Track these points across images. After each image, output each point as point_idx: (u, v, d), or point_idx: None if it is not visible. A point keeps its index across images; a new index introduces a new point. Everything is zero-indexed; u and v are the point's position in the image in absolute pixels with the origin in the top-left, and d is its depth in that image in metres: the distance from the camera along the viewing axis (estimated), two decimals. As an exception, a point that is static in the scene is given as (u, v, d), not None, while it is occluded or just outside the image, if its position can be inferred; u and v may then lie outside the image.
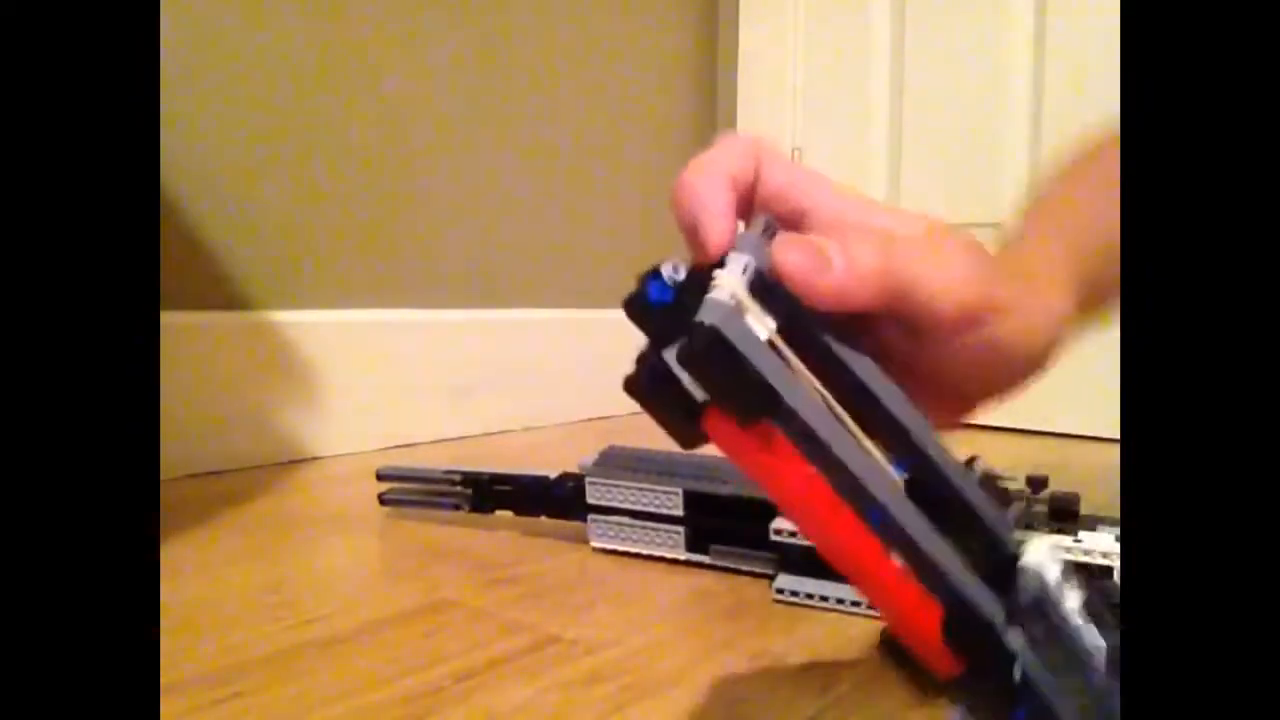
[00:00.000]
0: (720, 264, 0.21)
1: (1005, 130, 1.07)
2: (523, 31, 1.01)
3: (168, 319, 0.71)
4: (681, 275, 0.21)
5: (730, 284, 0.20)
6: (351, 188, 0.86)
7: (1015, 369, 0.26)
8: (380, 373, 0.87)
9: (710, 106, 1.29)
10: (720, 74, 1.28)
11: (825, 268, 0.21)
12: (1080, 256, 0.30)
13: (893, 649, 0.21)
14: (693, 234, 0.23)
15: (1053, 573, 0.20)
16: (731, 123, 1.27)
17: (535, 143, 1.04)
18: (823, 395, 0.21)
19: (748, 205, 0.25)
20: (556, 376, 1.05)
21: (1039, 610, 0.20)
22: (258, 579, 0.48)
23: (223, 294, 0.77)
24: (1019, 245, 0.31)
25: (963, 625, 0.19)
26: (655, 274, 0.21)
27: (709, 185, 0.23)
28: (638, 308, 0.21)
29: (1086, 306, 0.29)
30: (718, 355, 0.19)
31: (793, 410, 0.20)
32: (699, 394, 0.20)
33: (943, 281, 0.23)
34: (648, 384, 0.20)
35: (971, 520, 0.21)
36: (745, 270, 0.21)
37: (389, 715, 0.32)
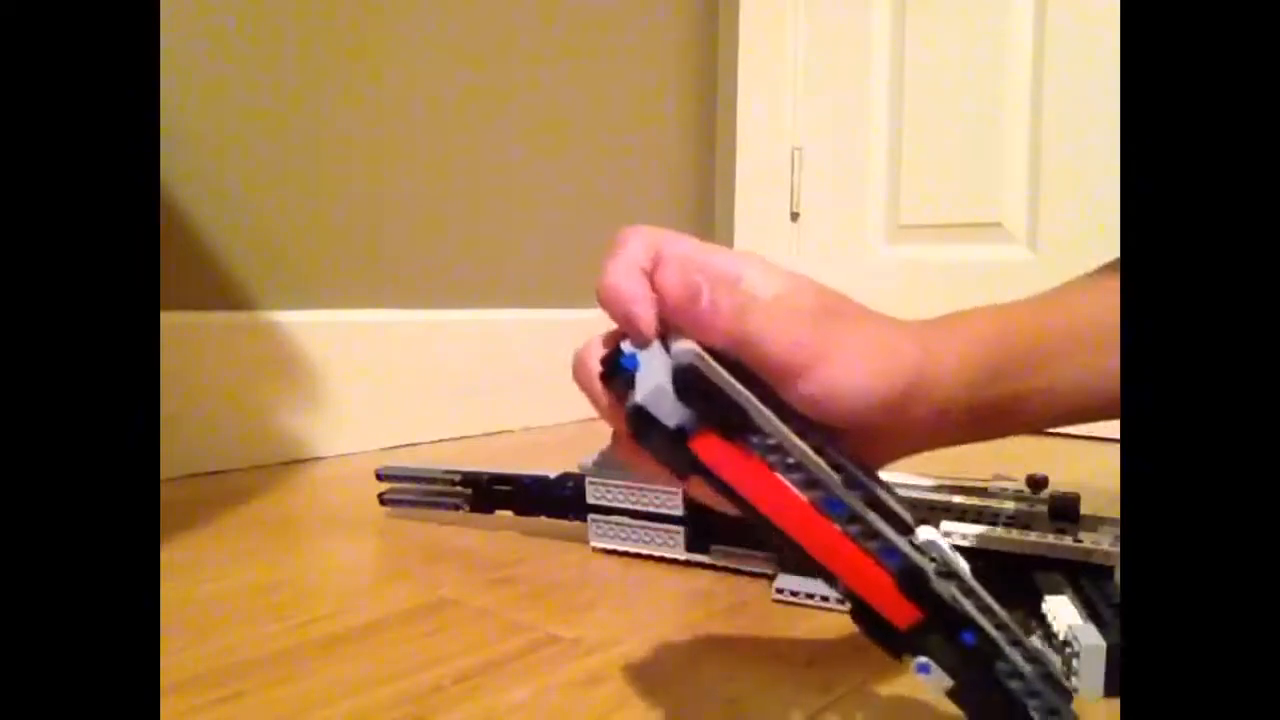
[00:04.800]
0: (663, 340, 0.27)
1: (1005, 130, 1.07)
2: (522, 32, 1.01)
3: (168, 319, 0.71)
4: (636, 349, 0.27)
5: (687, 342, 0.26)
6: (351, 188, 0.86)
7: (862, 407, 0.28)
8: (380, 373, 0.87)
9: (710, 107, 1.29)
10: (720, 74, 1.28)
11: (693, 301, 0.27)
12: (974, 339, 0.32)
13: (864, 620, 0.25)
14: (627, 323, 0.28)
15: (944, 546, 0.26)
16: (731, 122, 1.27)
17: (535, 143, 1.04)
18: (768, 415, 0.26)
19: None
20: (556, 376, 1.04)
21: (947, 571, 0.25)
22: (258, 579, 0.48)
23: (223, 294, 0.77)
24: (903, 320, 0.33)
25: (912, 577, 0.24)
26: (618, 350, 0.27)
27: (629, 282, 0.28)
28: (613, 372, 0.27)
29: (976, 391, 0.31)
30: (698, 383, 0.25)
31: (758, 425, 0.25)
32: (684, 423, 0.25)
33: (774, 334, 0.28)
34: (636, 427, 0.25)
35: (886, 512, 0.26)
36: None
37: (389, 715, 0.32)
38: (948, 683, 0.25)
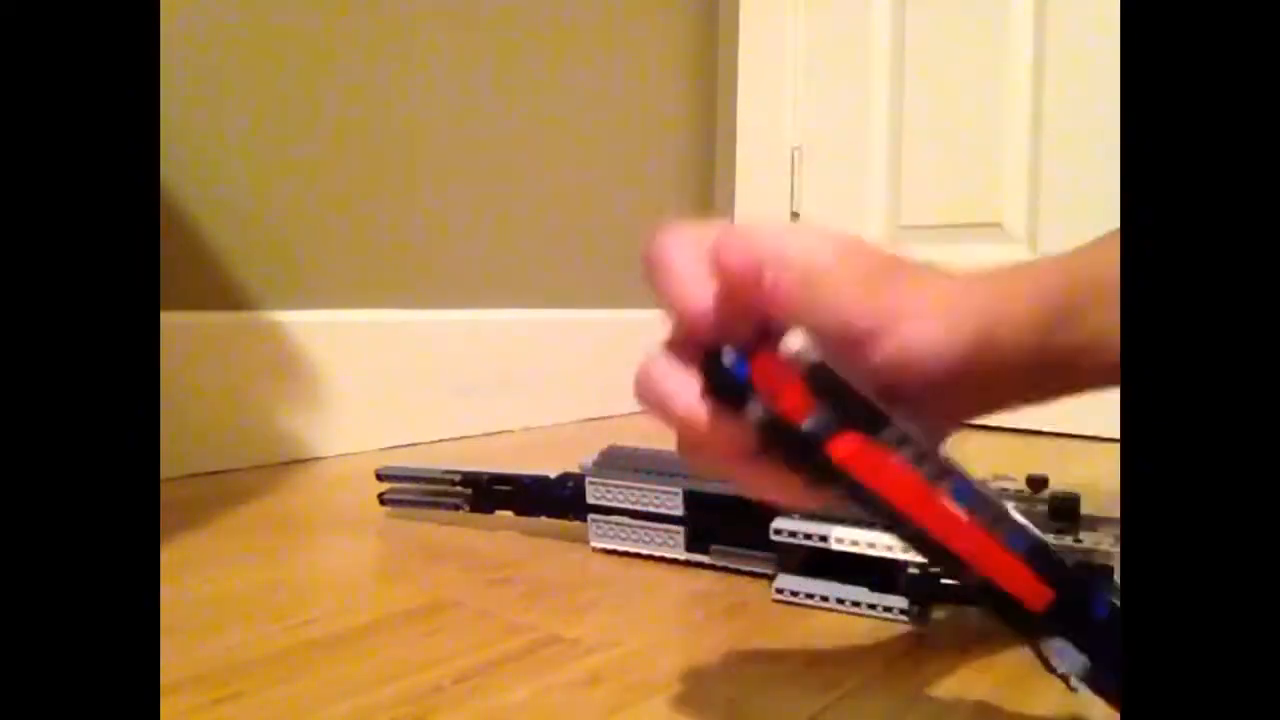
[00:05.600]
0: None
1: (1005, 130, 1.07)
2: (522, 31, 1.01)
3: (168, 319, 0.71)
4: (737, 353, 0.25)
5: (795, 338, 0.26)
6: (351, 188, 0.86)
7: (943, 364, 0.27)
8: (380, 373, 0.87)
9: (710, 106, 1.29)
10: (720, 74, 1.28)
11: (757, 278, 0.25)
12: (1034, 276, 0.31)
13: (1002, 609, 0.26)
14: (688, 308, 0.26)
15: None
16: (731, 122, 1.27)
17: (535, 143, 1.04)
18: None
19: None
20: (556, 376, 1.05)
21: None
22: (258, 579, 0.48)
23: (223, 294, 0.77)
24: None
25: (1045, 556, 0.25)
26: (718, 357, 0.25)
27: (689, 265, 0.26)
28: (722, 383, 0.25)
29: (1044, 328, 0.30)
30: (829, 380, 0.25)
31: (889, 418, 0.25)
32: (816, 427, 0.25)
33: (844, 301, 0.27)
34: (771, 437, 0.25)
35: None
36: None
37: (389, 715, 0.32)
38: (1084, 664, 0.25)
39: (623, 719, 0.32)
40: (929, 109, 1.12)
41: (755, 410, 0.25)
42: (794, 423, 0.25)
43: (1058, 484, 0.45)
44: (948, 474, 0.25)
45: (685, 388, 0.26)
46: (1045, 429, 1.02)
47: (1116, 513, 0.40)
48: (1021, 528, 0.25)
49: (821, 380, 0.25)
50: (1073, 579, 0.25)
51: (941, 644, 0.40)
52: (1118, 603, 0.25)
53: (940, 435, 0.29)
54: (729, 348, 0.25)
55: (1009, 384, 0.30)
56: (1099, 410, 1.07)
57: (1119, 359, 0.31)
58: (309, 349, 0.82)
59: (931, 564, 0.27)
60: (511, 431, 0.99)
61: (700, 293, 0.25)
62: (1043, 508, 0.43)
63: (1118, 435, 0.20)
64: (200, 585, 0.47)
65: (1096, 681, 0.26)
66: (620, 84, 1.15)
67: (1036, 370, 0.30)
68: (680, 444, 0.28)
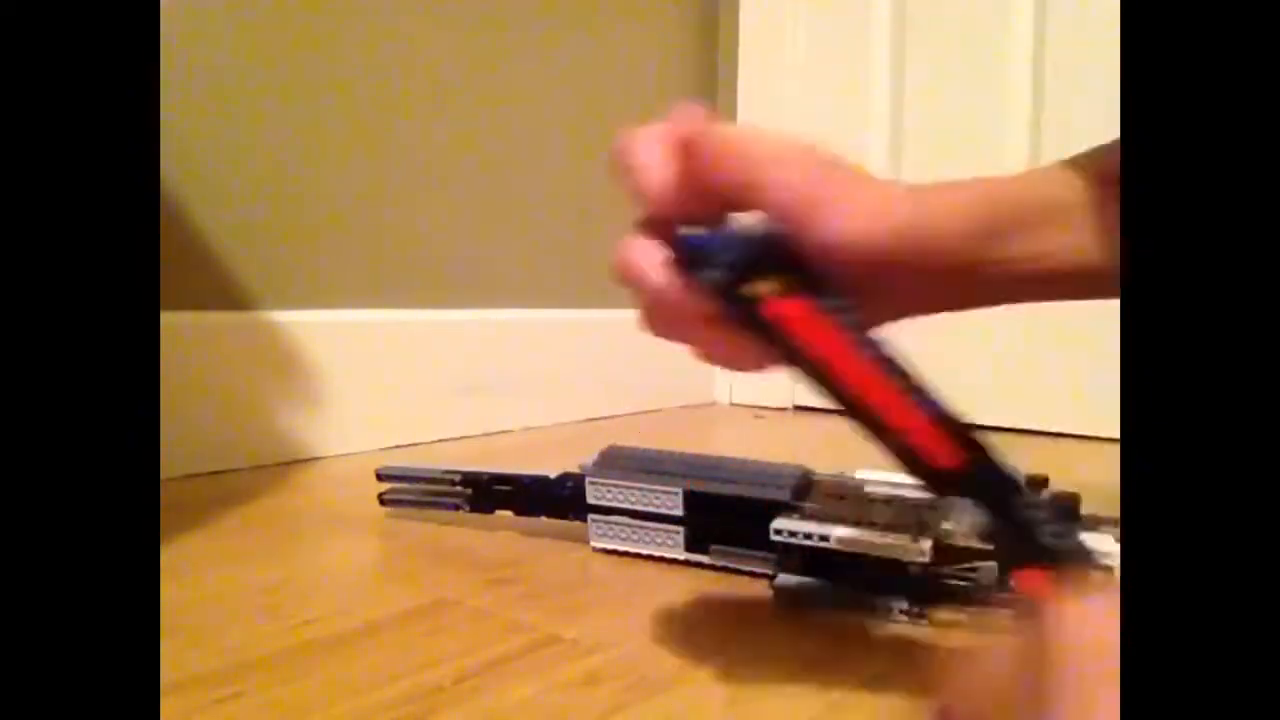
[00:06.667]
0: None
1: (1005, 130, 1.07)
2: (521, 32, 1.01)
3: (168, 319, 0.71)
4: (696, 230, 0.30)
5: (745, 219, 0.30)
6: (352, 188, 0.86)
7: (865, 253, 0.30)
8: (380, 373, 0.87)
9: (710, 106, 1.28)
10: (720, 72, 1.28)
11: (705, 141, 0.30)
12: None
13: (916, 467, 0.29)
14: (639, 176, 0.31)
15: None
16: (731, 120, 1.27)
17: (535, 142, 1.04)
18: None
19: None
20: (556, 376, 1.05)
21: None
22: (258, 579, 0.48)
23: (223, 294, 0.77)
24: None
25: (957, 422, 0.28)
26: (684, 238, 0.30)
27: (646, 141, 0.31)
28: (693, 255, 0.29)
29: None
30: (784, 247, 0.28)
31: (829, 290, 0.28)
32: (760, 289, 0.28)
33: (785, 177, 0.30)
34: (721, 304, 0.28)
35: None
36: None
37: (389, 715, 0.32)
38: (985, 521, 0.29)
39: (623, 719, 0.32)
40: (929, 109, 1.12)
41: (711, 275, 0.28)
42: (743, 287, 0.28)
43: (1058, 484, 0.45)
44: (876, 344, 0.28)
45: (651, 256, 0.30)
46: (1045, 429, 1.02)
47: (1116, 513, 0.40)
48: (938, 397, 0.28)
49: (771, 248, 0.28)
50: (980, 444, 0.28)
51: (941, 644, 0.40)
52: (1018, 471, 0.29)
53: (877, 323, 0.32)
54: (690, 227, 0.30)
55: (939, 286, 0.34)
56: (1099, 410, 1.07)
57: (1056, 270, 0.34)
58: (309, 349, 0.82)
59: (854, 423, 0.29)
60: (511, 431, 0.99)
61: (663, 174, 0.30)
62: (1043, 508, 0.43)
63: (1118, 435, 0.20)
64: (200, 585, 0.47)
65: (994, 538, 0.30)
66: (621, 84, 1.15)
67: (963, 276, 0.33)
68: (646, 314, 0.32)
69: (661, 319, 0.32)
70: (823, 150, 0.32)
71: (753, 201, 0.30)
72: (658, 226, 0.31)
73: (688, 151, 0.30)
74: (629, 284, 0.31)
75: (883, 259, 0.30)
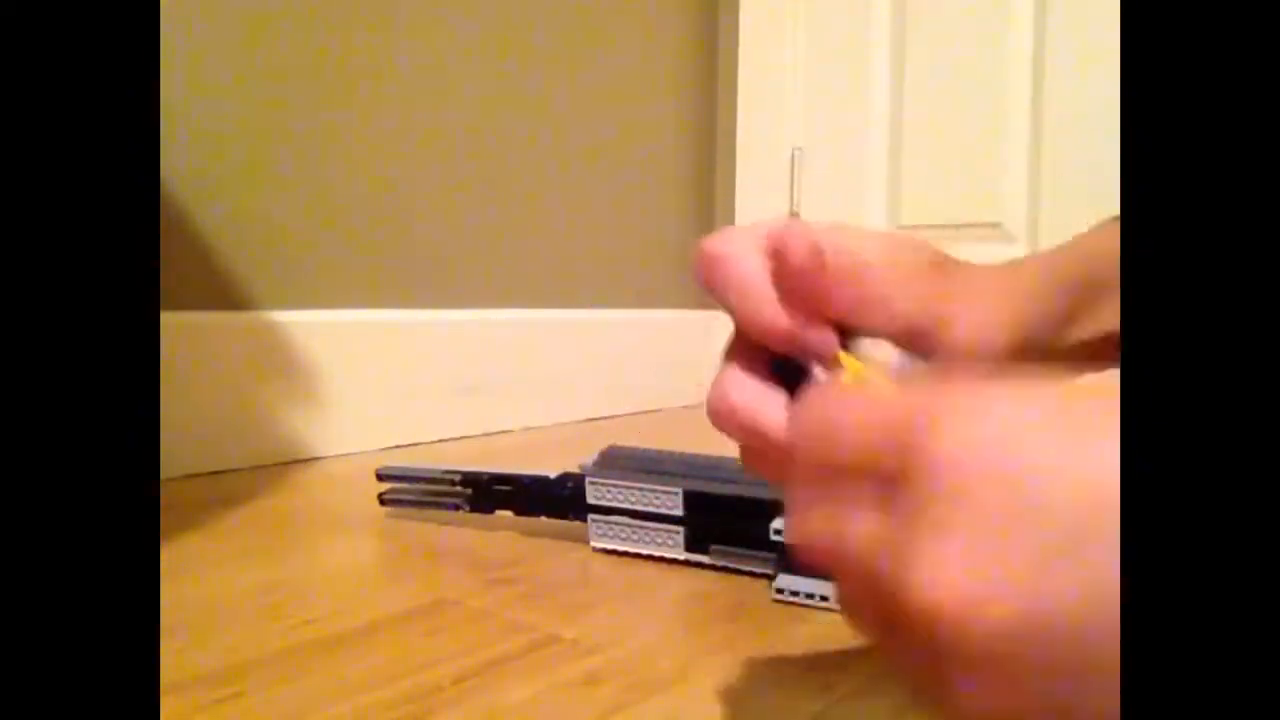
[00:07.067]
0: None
1: (1005, 130, 1.07)
2: (523, 35, 1.01)
3: (168, 319, 0.71)
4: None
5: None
6: (352, 188, 0.87)
7: (994, 354, 0.29)
8: (380, 373, 0.87)
9: (710, 106, 1.29)
10: (720, 74, 1.28)
11: (818, 267, 0.26)
12: (1061, 261, 0.33)
13: None
14: (737, 306, 0.27)
15: None
16: (732, 123, 1.27)
17: (536, 144, 1.04)
18: None
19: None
20: (556, 376, 1.05)
21: None
22: (258, 579, 0.48)
23: (223, 294, 0.77)
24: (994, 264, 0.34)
25: None
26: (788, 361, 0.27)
27: (749, 260, 0.27)
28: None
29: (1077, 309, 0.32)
30: None
31: None
32: None
33: (899, 294, 0.28)
34: None
35: None
36: None
37: (389, 715, 0.32)
38: None
39: (623, 719, 0.32)
40: (929, 109, 1.12)
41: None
42: None
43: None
44: None
45: (767, 400, 0.26)
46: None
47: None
48: None
49: None
50: None
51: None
52: None
53: None
54: (817, 364, 0.26)
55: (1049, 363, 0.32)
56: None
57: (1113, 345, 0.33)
58: (309, 349, 0.82)
59: None
60: (511, 431, 0.99)
61: (772, 308, 0.26)
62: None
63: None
64: (200, 585, 0.47)
65: None
66: (621, 86, 1.15)
67: (1058, 356, 0.32)
68: (747, 454, 0.28)
69: (776, 465, 0.27)
70: (931, 249, 0.30)
71: (869, 318, 0.27)
72: (749, 351, 0.27)
73: (798, 269, 0.26)
74: (732, 427, 0.27)
75: (1007, 357, 0.29)
